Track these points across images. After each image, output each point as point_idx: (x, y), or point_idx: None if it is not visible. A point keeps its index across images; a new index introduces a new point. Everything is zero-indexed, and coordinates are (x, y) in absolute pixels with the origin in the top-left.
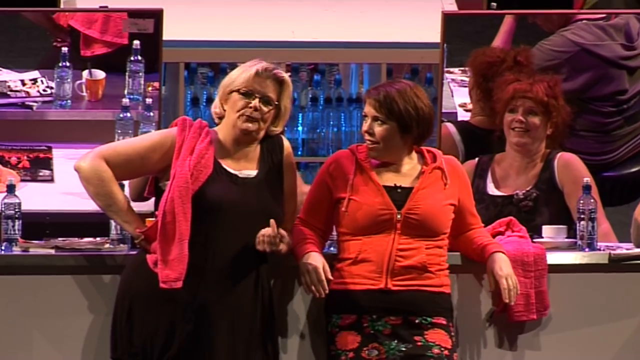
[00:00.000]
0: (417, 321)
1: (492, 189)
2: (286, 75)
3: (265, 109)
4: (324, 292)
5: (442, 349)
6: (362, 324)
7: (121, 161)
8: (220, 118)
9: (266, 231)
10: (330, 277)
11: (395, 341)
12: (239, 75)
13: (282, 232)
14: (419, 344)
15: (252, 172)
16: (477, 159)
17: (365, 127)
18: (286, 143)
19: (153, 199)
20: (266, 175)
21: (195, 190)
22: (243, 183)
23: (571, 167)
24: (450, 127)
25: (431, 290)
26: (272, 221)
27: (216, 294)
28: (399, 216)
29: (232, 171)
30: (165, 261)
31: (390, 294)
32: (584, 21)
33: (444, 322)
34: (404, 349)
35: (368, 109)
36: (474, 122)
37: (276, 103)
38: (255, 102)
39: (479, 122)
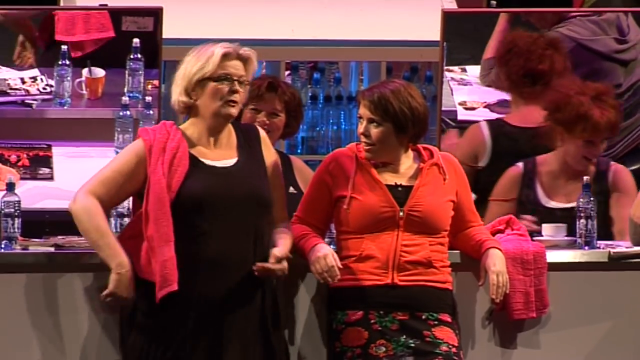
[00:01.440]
0: (423, 317)
1: (545, 200)
2: (250, 51)
3: (242, 90)
4: (336, 277)
5: (450, 346)
6: (370, 320)
7: (108, 189)
8: (187, 108)
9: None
10: (340, 264)
11: (404, 336)
12: (207, 62)
13: (278, 254)
14: (428, 339)
15: (232, 161)
16: (520, 165)
17: (361, 129)
18: (262, 132)
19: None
20: (246, 160)
21: (175, 189)
22: (224, 173)
23: (625, 177)
24: (482, 124)
25: (437, 286)
26: (273, 252)
27: (217, 288)
28: (401, 214)
29: (210, 162)
30: (155, 271)
31: (397, 289)
32: (577, 17)
33: (450, 320)
34: (412, 344)
35: (363, 111)
36: (508, 120)
37: (248, 82)
38: (235, 86)
39: (513, 119)
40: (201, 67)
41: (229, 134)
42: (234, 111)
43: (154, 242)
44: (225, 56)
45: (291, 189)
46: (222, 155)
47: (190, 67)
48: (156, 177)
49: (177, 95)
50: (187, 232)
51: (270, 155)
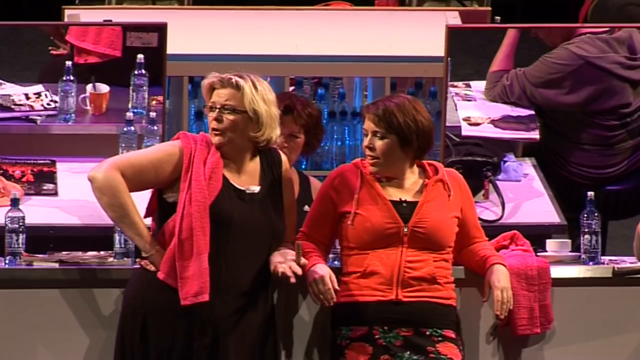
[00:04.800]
0: (427, 333)
1: None
2: (242, 80)
3: (229, 117)
4: (332, 300)
5: None
6: (374, 335)
7: (135, 173)
8: None
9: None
10: (337, 286)
11: (408, 352)
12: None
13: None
14: (432, 355)
15: (256, 188)
16: None
17: (365, 142)
18: (284, 157)
19: None
20: (268, 190)
21: (208, 204)
22: (250, 199)
23: None
24: None
25: (441, 302)
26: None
27: (230, 307)
28: (405, 230)
29: (239, 187)
30: (183, 278)
31: (401, 305)
32: (587, 35)
33: (454, 336)
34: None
35: (367, 124)
36: None
37: (242, 110)
38: (215, 114)
39: None
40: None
41: (254, 158)
42: (216, 139)
43: (186, 246)
44: (214, 85)
45: (306, 208)
46: (247, 181)
47: None
48: (199, 185)
49: None
50: (210, 246)
51: (288, 180)
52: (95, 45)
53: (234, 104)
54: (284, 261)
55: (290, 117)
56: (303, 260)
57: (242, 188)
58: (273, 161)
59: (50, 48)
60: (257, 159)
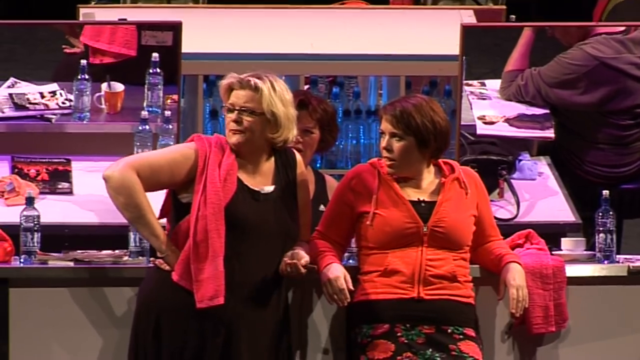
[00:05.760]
0: (449, 330)
1: None
2: (260, 81)
3: (248, 119)
4: (346, 300)
5: None
6: (396, 333)
7: (151, 173)
8: None
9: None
10: (351, 287)
11: (430, 350)
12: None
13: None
14: (454, 353)
15: (270, 188)
16: None
17: (383, 143)
18: (299, 158)
19: None
20: (283, 191)
21: (223, 206)
22: (264, 200)
23: None
24: None
25: (461, 301)
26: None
27: (243, 307)
28: (425, 229)
29: (253, 188)
30: (199, 281)
31: (423, 302)
32: (603, 35)
33: (474, 334)
34: (438, 358)
35: (385, 126)
36: None
37: (260, 112)
38: (233, 115)
39: None
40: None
41: (269, 158)
42: (234, 139)
43: (201, 249)
44: (232, 86)
45: (321, 207)
46: (261, 182)
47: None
48: (214, 188)
49: None
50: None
51: (302, 180)
52: (110, 45)
53: (252, 105)
54: (290, 259)
55: (305, 112)
56: (304, 259)
57: (257, 189)
58: (288, 161)
59: (64, 46)
60: (272, 159)
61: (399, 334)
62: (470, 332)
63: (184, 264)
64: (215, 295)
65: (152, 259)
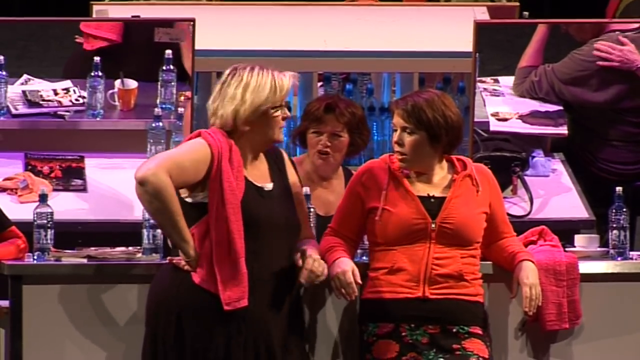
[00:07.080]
0: (454, 330)
1: None
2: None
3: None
4: (353, 294)
5: (480, 358)
6: (401, 332)
7: (179, 173)
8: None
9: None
10: (359, 281)
11: (434, 350)
12: (274, 93)
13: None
14: (457, 353)
15: (270, 185)
16: None
17: (395, 137)
18: (285, 154)
19: None
20: (280, 187)
21: (239, 205)
22: (268, 196)
23: None
24: None
25: (468, 299)
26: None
27: (261, 305)
28: (433, 226)
29: (257, 184)
30: (223, 283)
31: (428, 302)
32: (616, 32)
33: (481, 332)
34: (442, 358)
35: (397, 120)
36: None
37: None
38: (286, 112)
39: None
40: (267, 97)
41: (261, 156)
42: (282, 136)
43: (223, 250)
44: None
45: None
46: (261, 178)
47: (254, 95)
48: (231, 186)
49: (231, 117)
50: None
51: (293, 176)
52: (98, 29)
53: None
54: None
55: (332, 116)
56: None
57: (260, 185)
58: (277, 158)
59: (75, 37)
60: (263, 156)
61: (403, 334)
62: (477, 330)
63: (206, 267)
64: (241, 297)
65: (169, 257)
